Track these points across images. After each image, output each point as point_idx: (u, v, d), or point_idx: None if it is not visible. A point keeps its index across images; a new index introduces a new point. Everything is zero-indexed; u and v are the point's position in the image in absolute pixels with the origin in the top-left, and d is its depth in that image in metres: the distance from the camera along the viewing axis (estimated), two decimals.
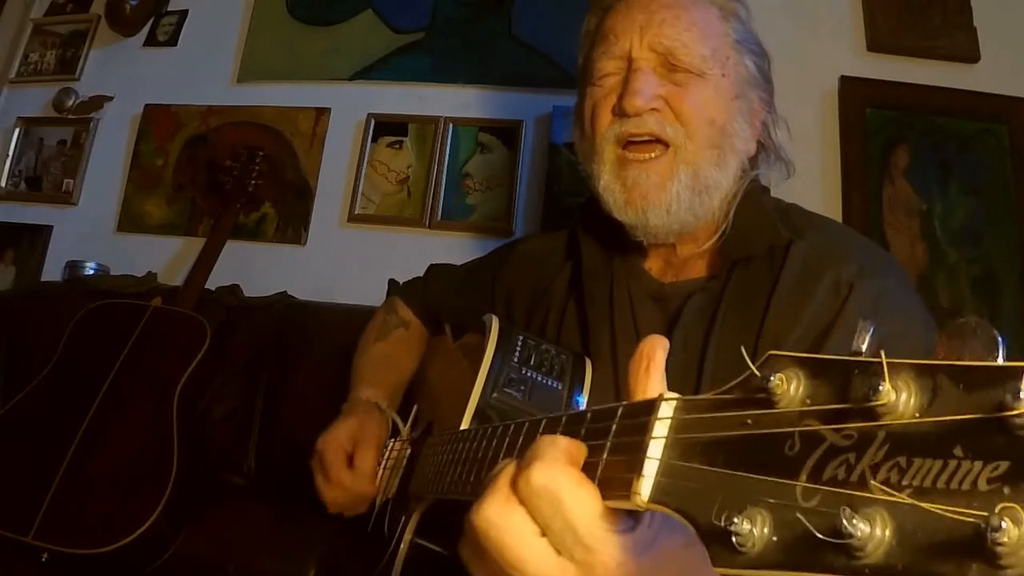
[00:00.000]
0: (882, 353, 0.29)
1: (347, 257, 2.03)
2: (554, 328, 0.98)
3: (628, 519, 0.40)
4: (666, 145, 0.86)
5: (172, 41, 2.33)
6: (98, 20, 2.38)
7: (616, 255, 0.97)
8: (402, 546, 0.82)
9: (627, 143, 0.88)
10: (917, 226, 1.73)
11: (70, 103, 2.29)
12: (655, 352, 0.43)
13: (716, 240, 0.92)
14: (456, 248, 1.94)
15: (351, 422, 1.02)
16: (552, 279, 1.04)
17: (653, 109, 0.86)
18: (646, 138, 0.87)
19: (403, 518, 0.86)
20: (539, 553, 0.40)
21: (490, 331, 0.84)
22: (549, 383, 0.83)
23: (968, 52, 1.80)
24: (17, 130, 2.34)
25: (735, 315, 0.84)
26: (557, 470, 0.40)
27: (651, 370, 0.43)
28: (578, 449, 0.42)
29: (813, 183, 1.77)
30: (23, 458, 1.45)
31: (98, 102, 2.30)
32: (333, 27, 2.20)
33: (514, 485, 0.41)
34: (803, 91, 1.83)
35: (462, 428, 0.77)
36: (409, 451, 0.97)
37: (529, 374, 0.82)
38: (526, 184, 1.96)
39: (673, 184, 0.86)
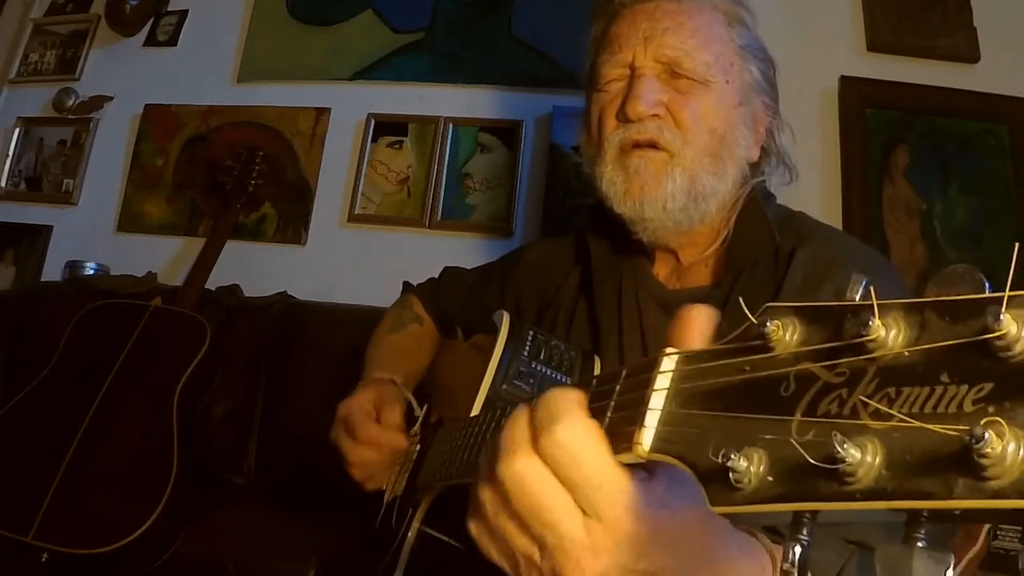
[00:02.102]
0: (871, 291, 0.30)
1: (347, 257, 2.03)
2: (564, 330, 0.99)
3: (641, 471, 0.40)
4: (664, 151, 0.88)
5: (172, 41, 2.33)
6: (98, 20, 2.38)
7: (624, 259, 0.98)
8: (410, 534, 0.82)
9: (628, 148, 0.90)
10: (917, 226, 1.73)
11: (70, 103, 2.29)
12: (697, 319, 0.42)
13: (719, 246, 0.93)
14: (456, 248, 1.94)
15: (370, 389, 1.01)
16: (561, 283, 1.05)
17: (654, 115, 0.88)
18: (646, 144, 0.88)
19: (410, 510, 0.86)
20: (569, 509, 0.40)
21: (502, 325, 0.85)
22: (558, 378, 0.83)
23: (968, 52, 1.79)
24: (17, 130, 2.34)
25: (739, 322, 0.84)
26: (576, 423, 0.40)
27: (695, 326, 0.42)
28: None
29: (813, 183, 1.77)
30: (23, 458, 1.45)
31: (98, 102, 2.30)
32: (333, 27, 2.20)
33: (536, 442, 0.41)
34: (803, 91, 1.83)
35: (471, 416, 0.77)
36: (418, 448, 0.97)
37: (538, 368, 0.83)
38: (526, 184, 1.96)
39: (668, 182, 0.87)
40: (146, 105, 2.27)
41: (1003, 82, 1.76)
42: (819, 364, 0.30)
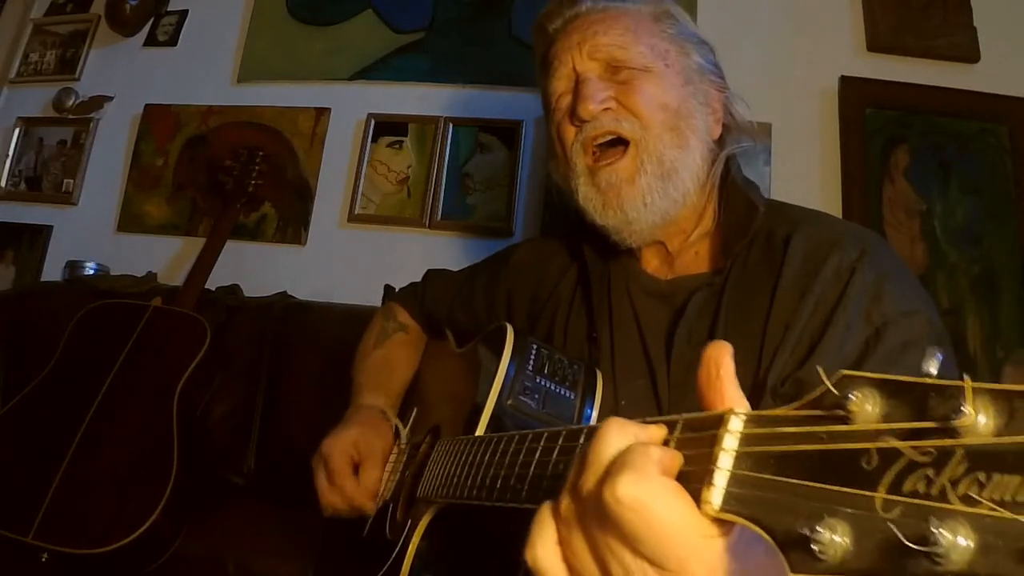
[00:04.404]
0: (966, 377, 0.30)
1: (347, 257, 2.03)
2: (561, 329, 0.99)
3: (724, 525, 0.39)
4: (627, 143, 0.90)
5: (172, 41, 2.33)
6: (98, 20, 2.39)
7: (612, 259, 0.99)
8: (410, 547, 0.82)
9: (593, 151, 0.91)
10: (917, 226, 1.74)
11: (70, 103, 2.29)
12: (722, 358, 0.41)
13: (706, 229, 0.94)
14: (456, 248, 1.94)
15: (357, 430, 1.02)
16: (557, 281, 1.05)
17: (606, 109, 0.90)
18: (607, 138, 0.90)
19: (408, 521, 0.85)
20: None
21: (506, 339, 0.85)
22: (562, 392, 0.83)
23: (968, 52, 1.80)
24: (17, 130, 2.34)
25: (739, 307, 0.85)
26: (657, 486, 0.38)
27: (722, 375, 0.41)
28: (672, 459, 0.40)
29: (813, 183, 1.78)
30: (23, 458, 1.45)
31: (98, 102, 2.30)
32: (333, 27, 2.20)
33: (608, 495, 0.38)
34: (803, 91, 1.83)
35: (478, 434, 0.77)
36: (407, 454, 0.97)
37: (543, 383, 0.83)
38: (526, 184, 1.96)
39: (641, 177, 0.89)
40: (146, 105, 2.28)
41: (1003, 82, 1.77)
42: (904, 442, 0.30)
